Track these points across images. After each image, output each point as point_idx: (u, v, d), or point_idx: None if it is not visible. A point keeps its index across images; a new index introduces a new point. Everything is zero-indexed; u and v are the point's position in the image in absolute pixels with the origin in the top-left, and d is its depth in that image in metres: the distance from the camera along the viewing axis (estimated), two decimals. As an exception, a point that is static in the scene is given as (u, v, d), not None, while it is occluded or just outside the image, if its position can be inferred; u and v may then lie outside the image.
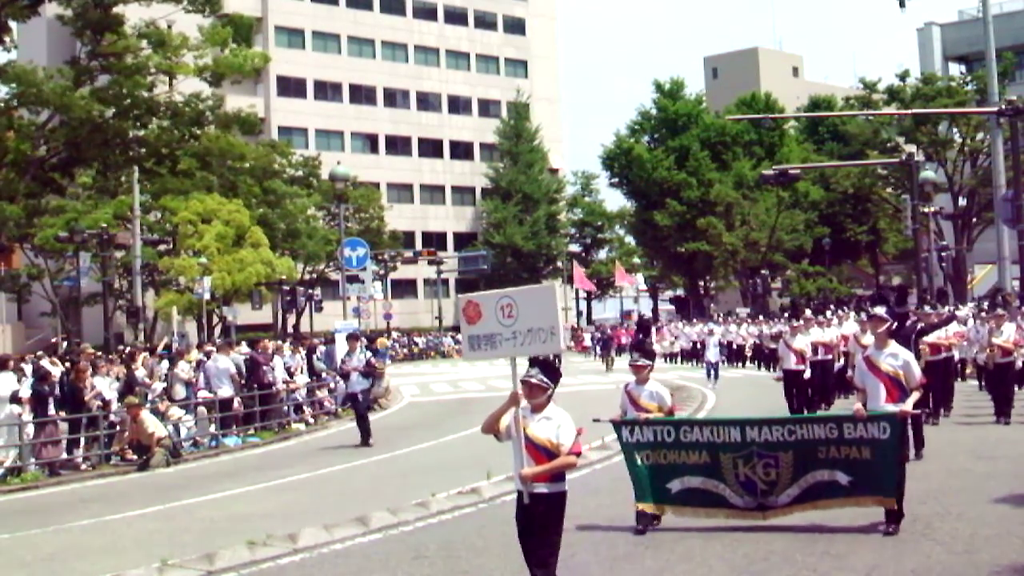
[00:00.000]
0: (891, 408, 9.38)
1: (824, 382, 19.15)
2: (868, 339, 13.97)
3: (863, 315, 16.53)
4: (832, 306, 27.29)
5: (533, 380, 7.42)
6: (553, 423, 7.27)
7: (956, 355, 19.45)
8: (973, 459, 13.39)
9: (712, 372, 29.03)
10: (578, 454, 7.37)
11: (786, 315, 30.18)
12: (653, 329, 42.83)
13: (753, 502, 9.56)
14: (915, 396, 9.59)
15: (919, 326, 14.42)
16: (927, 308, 18.70)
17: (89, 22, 33.69)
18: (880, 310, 9.86)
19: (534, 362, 7.55)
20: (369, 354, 20.39)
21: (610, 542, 9.86)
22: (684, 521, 10.39)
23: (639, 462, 9.89)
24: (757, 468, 9.45)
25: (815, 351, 18.55)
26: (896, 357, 9.71)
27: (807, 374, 18.03)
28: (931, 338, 16.61)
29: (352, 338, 20.93)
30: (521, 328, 7.50)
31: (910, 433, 10.76)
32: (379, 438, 19.75)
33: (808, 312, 20.82)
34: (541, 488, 7.06)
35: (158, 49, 34.34)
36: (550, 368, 7.53)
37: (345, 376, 20.46)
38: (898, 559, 8.64)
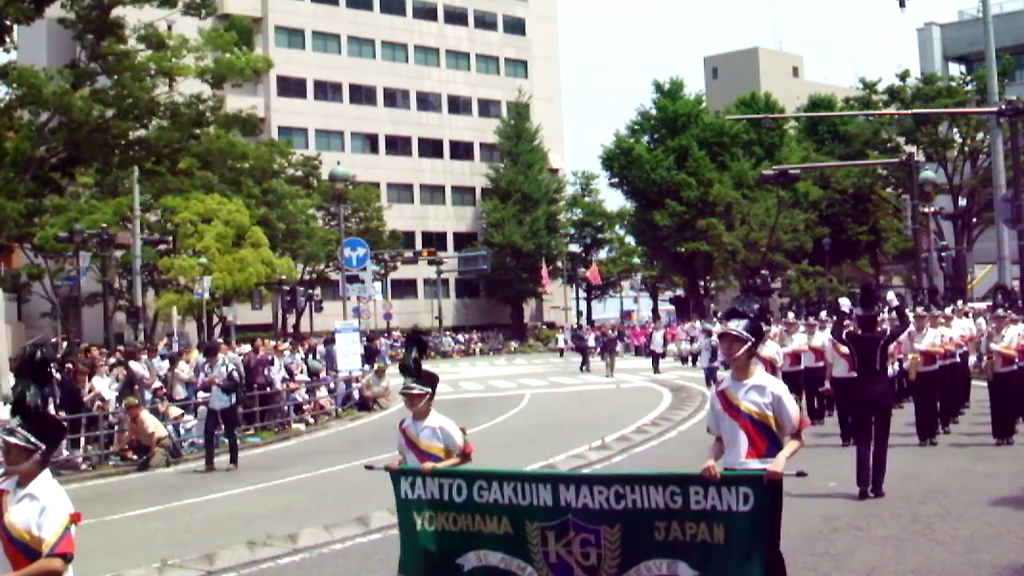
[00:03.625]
0: (755, 466, 6.43)
1: (810, 394, 17.61)
2: (843, 348, 12.81)
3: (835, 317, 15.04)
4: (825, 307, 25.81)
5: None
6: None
7: (972, 358, 17.82)
8: (973, 459, 13.40)
9: (712, 378, 26.96)
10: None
11: (791, 315, 28.42)
12: (660, 330, 42.60)
13: None
14: (792, 447, 6.48)
15: (888, 333, 11.96)
16: (919, 310, 16.51)
17: (89, 24, 33.70)
18: (736, 325, 6.68)
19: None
20: (232, 367, 17.72)
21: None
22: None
23: (420, 526, 7.22)
24: (573, 546, 6.69)
25: (798, 359, 16.93)
26: (762, 392, 6.61)
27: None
28: (924, 344, 14.86)
29: (211, 351, 18.74)
30: None
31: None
32: (379, 438, 19.70)
33: (791, 315, 19.48)
34: None
35: (158, 51, 34.36)
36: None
37: (205, 389, 18.26)
38: (898, 559, 8.64)
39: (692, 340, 42.28)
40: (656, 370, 35.42)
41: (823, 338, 16.68)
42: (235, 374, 17.45)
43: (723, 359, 21.55)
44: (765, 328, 16.24)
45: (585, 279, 76.92)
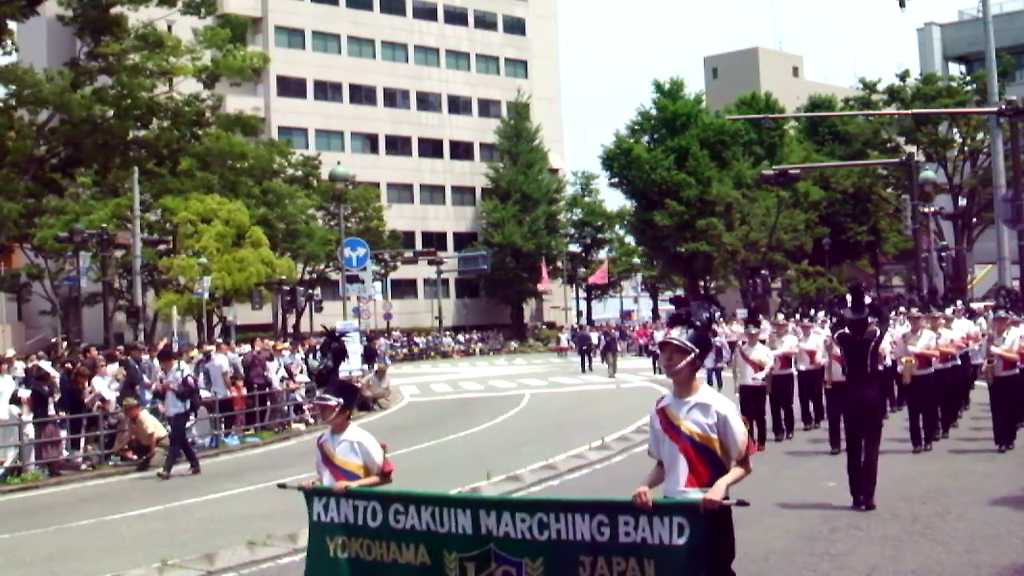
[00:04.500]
0: (693, 495, 5.65)
1: (804, 398, 17.07)
2: (836, 350, 12.14)
3: (833, 319, 14.54)
4: (821, 307, 25.03)
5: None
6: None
7: (980, 360, 16.71)
8: (973, 459, 13.40)
9: (715, 378, 25.79)
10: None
11: (780, 316, 27.14)
12: (662, 330, 42.39)
13: None
14: (736, 474, 5.75)
15: (877, 336, 11.36)
16: (913, 311, 15.50)
17: (88, 23, 33.76)
18: (679, 333, 5.88)
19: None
20: (187, 372, 17.46)
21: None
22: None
23: (333, 553, 6.66)
24: None
25: (788, 362, 16.29)
26: (706, 411, 5.79)
27: (797, 387, 16.30)
28: (918, 348, 14.15)
29: (164, 356, 18.36)
30: None
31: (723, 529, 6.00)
32: (379, 438, 19.73)
33: (780, 316, 18.97)
34: None
35: (156, 50, 34.41)
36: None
37: (160, 396, 17.92)
38: (898, 559, 8.63)
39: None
40: (657, 370, 35.22)
41: (817, 340, 16.38)
42: (190, 379, 17.25)
43: (726, 360, 20.42)
44: (756, 330, 15.77)
45: (586, 280, 76.86)
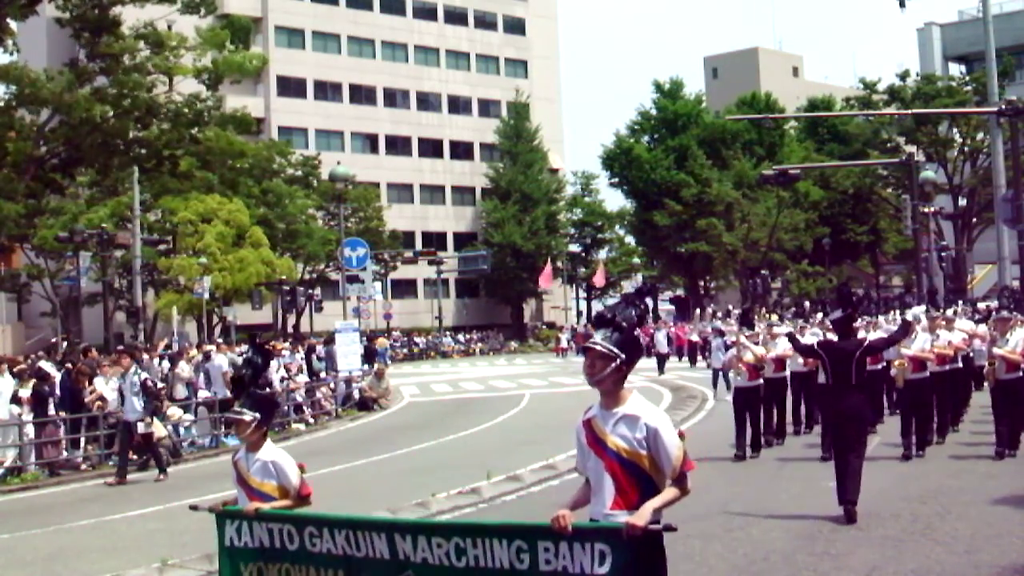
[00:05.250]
0: (620, 518, 5.03)
1: (797, 401, 16.73)
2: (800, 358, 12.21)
3: (826, 319, 14.39)
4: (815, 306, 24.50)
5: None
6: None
7: (982, 361, 15.83)
8: (973, 459, 13.40)
9: (722, 380, 23.90)
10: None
11: (774, 317, 25.98)
12: (664, 331, 42.01)
13: None
14: (668, 495, 5.08)
15: (867, 342, 10.89)
16: (902, 312, 15.46)
17: (87, 23, 33.74)
18: (603, 336, 5.24)
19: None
20: (145, 375, 16.91)
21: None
22: (684, 521, 10.34)
23: None
24: None
25: (782, 364, 15.83)
26: (634, 424, 5.14)
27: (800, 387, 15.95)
28: (912, 350, 13.63)
29: (121, 356, 17.63)
30: None
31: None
32: (379, 438, 19.76)
33: (774, 318, 18.69)
34: None
35: (156, 50, 34.39)
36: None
37: (121, 400, 17.08)
38: (898, 559, 8.63)
39: (704, 341, 41.53)
40: (661, 371, 34.72)
41: (812, 341, 15.47)
42: (149, 383, 16.81)
43: (724, 361, 19.69)
44: (750, 332, 15.10)
45: (589, 280, 76.79)
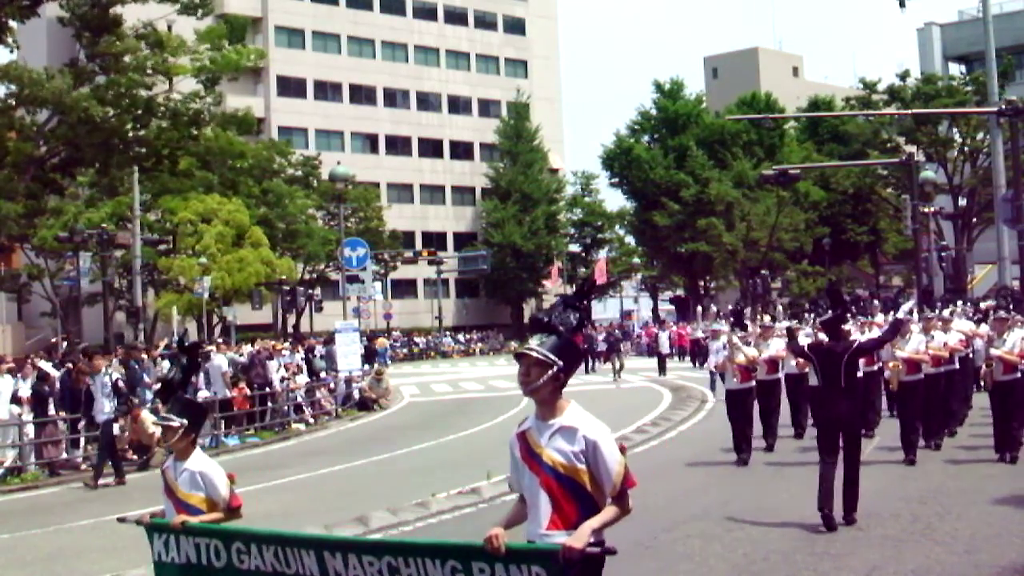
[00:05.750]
0: (557, 539, 4.69)
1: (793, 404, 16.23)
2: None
3: (817, 320, 13.61)
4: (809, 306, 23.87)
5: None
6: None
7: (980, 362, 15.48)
8: (973, 459, 13.39)
9: (720, 381, 25.10)
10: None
11: (767, 318, 24.89)
12: (667, 331, 41.68)
13: None
14: (608, 515, 4.76)
15: (856, 344, 10.55)
16: (897, 312, 15.29)
17: (87, 23, 33.72)
18: (538, 342, 4.90)
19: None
20: (116, 376, 16.68)
21: (610, 542, 9.83)
22: (684, 521, 10.37)
23: None
24: None
25: (776, 366, 15.51)
26: (572, 437, 4.77)
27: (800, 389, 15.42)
28: (906, 352, 13.28)
29: (92, 356, 17.30)
30: None
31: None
32: (379, 438, 19.76)
33: (767, 319, 18.26)
34: None
35: (155, 50, 34.38)
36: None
37: (89, 401, 16.76)
38: (898, 559, 8.63)
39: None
40: (663, 372, 34.46)
41: (806, 342, 15.20)
42: (120, 383, 16.65)
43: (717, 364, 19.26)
44: (743, 333, 14.55)
45: (592, 279, 76.73)
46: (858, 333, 14.66)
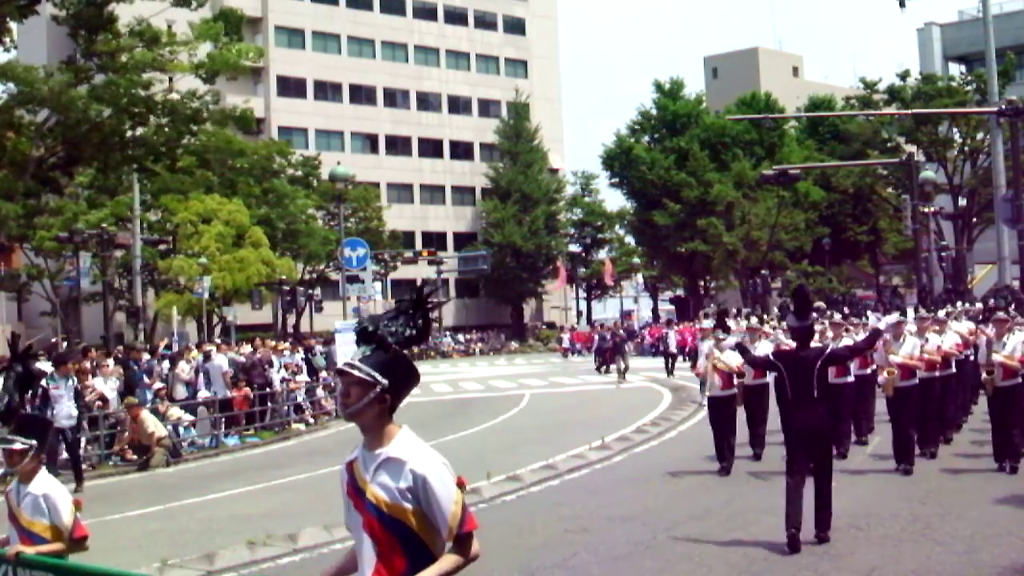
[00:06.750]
0: None
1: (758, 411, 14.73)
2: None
3: (783, 323, 13.53)
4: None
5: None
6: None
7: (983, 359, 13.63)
8: (973, 459, 13.38)
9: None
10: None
11: (754, 319, 23.68)
12: (674, 330, 41.24)
13: None
14: (446, 564, 3.93)
15: (829, 350, 10.01)
16: (897, 313, 13.95)
17: (83, 21, 33.68)
18: (361, 356, 4.02)
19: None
20: (75, 380, 16.07)
21: (610, 542, 9.85)
22: (684, 521, 10.35)
23: None
24: None
25: (763, 371, 14.23)
26: (398, 471, 3.93)
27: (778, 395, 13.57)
28: (900, 356, 12.69)
29: (58, 362, 16.42)
30: None
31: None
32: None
33: (753, 320, 17.68)
34: None
35: (152, 47, 34.32)
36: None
37: (44, 403, 15.52)
38: (898, 559, 8.64)
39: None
40: (670, 372, 33.63)
41: (769, 348, 14.22)
42: (81, 390, 16.32)
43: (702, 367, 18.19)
44: (724, 336, 13.70)
45: (600, 279, 76.68)
46: (847, 338, 14.04)
